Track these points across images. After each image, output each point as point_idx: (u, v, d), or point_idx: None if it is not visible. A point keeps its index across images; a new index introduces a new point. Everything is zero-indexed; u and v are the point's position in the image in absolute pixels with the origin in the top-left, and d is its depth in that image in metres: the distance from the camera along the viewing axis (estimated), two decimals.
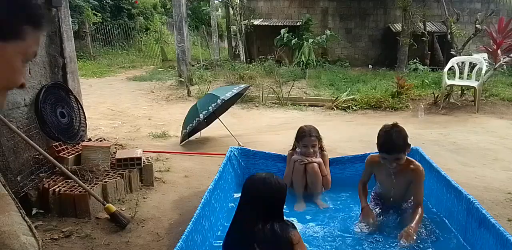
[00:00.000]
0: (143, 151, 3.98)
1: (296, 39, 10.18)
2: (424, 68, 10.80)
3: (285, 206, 3.14)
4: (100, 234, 2.83)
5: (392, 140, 2.47)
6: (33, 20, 0.82)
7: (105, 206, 2.95)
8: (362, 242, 2.68)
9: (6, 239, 0.80)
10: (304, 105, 7.61)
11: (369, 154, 3.56)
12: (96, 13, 15.77)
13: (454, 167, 4.06)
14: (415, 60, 11.12)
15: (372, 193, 3.01)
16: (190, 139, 5.15)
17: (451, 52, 9.00)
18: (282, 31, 10.34)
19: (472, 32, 9.23)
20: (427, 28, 11.63)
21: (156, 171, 3.91)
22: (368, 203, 2.88)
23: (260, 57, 11.53)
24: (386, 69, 11.60)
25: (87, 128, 4.20)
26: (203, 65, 11.66)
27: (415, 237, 2.47)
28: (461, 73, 7.15)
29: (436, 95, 7.20)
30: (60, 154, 3.39)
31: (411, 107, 7.13)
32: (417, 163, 2.72)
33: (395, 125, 2.55)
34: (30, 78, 3.40)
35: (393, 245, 2.59)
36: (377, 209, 2.92)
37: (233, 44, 14.91)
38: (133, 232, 2.87)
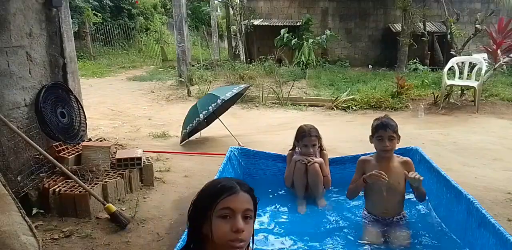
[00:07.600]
0: (143, 151, 3.98)
1: (296, 39, 10.18)
2: (424, 68, 10.80)
3: (286, 207, 3.13)
4: (101, 234, 2.83)
5: (386, 120, 2.81)
6: None
7: (105, 206, 2.95)
8: (362, 241, 2.68)
9: (7, 238, 0.80)
10: (304, 105, 7.60)
11: (369, 153, 3.57)
12: (96, 13, 15.78)
13: (454, 167, 4.06)
14: (415, 60, 11.13)
15: (364, 212, 2.92)
16: (190, 139, 5.15)
17: (451, 52, 9.00)
18: (282, 31, 10.34)
19: (472, 32, 9.24)
20: (427, 28, 11.64)
21: (156, 171, 3.92)
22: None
23: (260, 57, 11.52)
24: (386, 69, 11.60)
25: (87, 128, 4.20)
26: (203, 65, 11.65)
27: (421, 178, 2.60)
28: (461, 73, 7.15)
29: (436, 95, 7.20)
30: (60, 154, 3.39)
31: (411, 107, 7.13)
32: (404, 157, 2.92)
33: (386, 115, 2.92)
34: (30, 78, 3.41)
35: (394, 246, 2.60)
36: (370, 228, 2.79)
37: (233, 44, 14.90)
38: (133, 232, 2.87)
